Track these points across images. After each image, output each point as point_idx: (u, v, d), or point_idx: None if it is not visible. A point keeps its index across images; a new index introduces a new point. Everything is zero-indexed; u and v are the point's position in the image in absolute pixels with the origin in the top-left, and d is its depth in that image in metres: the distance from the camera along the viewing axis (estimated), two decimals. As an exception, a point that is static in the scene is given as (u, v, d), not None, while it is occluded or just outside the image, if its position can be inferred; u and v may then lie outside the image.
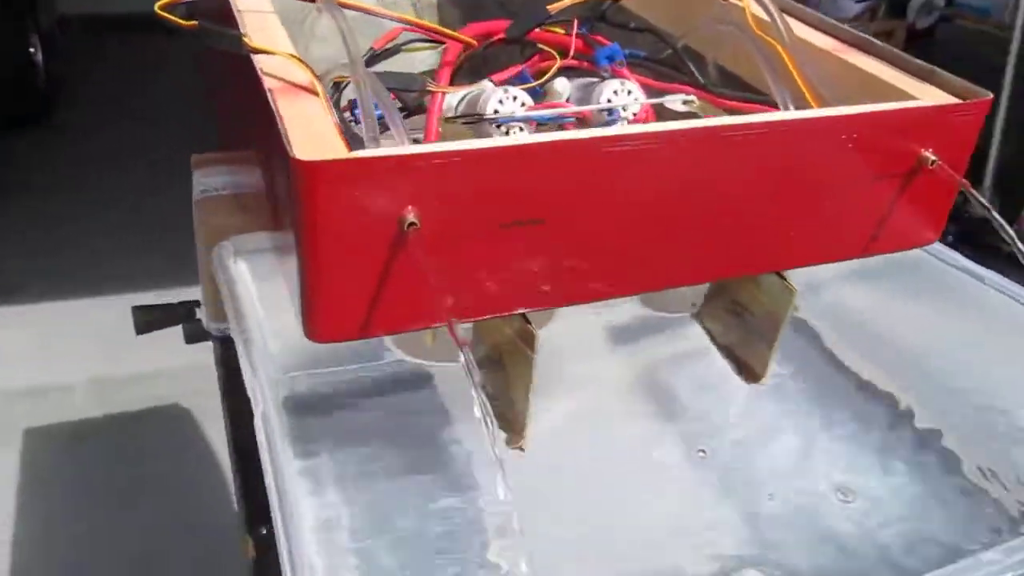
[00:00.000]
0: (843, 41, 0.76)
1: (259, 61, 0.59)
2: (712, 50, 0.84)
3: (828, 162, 0.60)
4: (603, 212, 0.56)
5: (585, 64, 0.80)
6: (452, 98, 0.74)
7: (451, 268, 0.53)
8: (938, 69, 0.68)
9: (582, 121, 0.72)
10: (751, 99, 0.74)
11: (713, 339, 0.73)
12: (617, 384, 0.85)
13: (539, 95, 0.79)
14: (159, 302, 1.12)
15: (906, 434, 0.79)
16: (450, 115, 0.67)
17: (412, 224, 0.49)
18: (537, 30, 0.82)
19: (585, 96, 0.76)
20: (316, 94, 0.56)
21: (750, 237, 0.62)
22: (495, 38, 0.79)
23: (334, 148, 0.49)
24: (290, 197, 0.49)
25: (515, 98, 0.70)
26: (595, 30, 0.88)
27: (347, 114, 0.71)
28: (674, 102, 0.73)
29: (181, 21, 0.62)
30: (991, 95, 0.64)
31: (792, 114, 0.58)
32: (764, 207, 0.61)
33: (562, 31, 0.82)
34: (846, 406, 0.82)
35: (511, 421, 0.63)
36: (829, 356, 0.86)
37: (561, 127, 0.71)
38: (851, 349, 0.86)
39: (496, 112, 0.70)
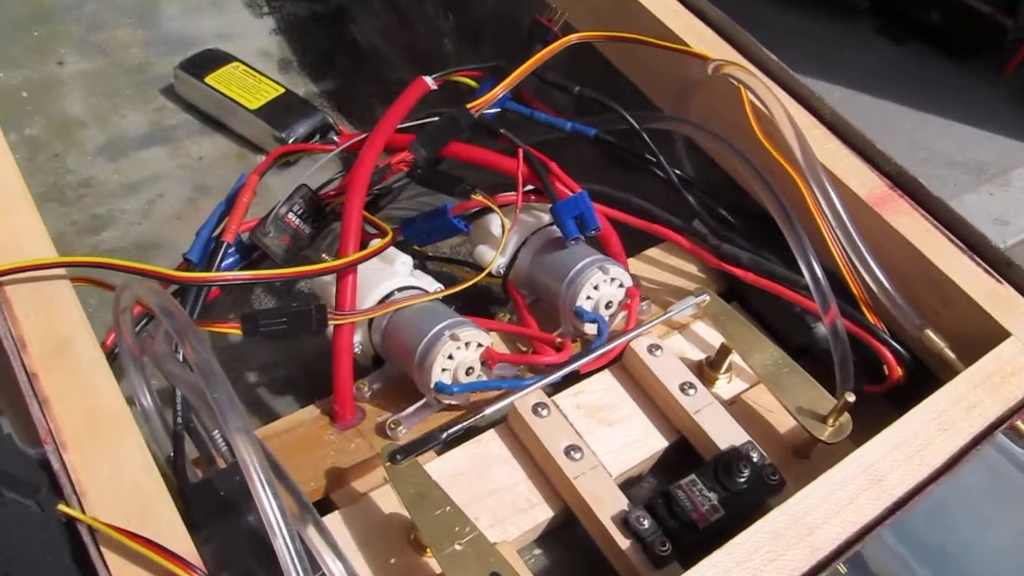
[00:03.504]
0: (877, 170, 0.57)
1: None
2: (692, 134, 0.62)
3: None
4: None
5: (533, 198, 0.56)
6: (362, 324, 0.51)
7: None
8: (1012, 261, 0.53)
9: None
10: (775, 276, 0.55)
11: None
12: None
13: (463, 231, 0.56)
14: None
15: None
16: (391, 448, 0.44)
17: None
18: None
19: (545, 265, 0.54)
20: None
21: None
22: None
23: None
24: None
25: (467, 344, 0.48)
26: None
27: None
28: (684, 310, 0.53)
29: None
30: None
31: (890, 488, 0.41)
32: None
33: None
34: None
35: None
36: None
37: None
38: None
39: (445, 371, 0.48)
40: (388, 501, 0.47)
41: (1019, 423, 0.49)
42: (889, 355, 0.52)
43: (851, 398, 0.47)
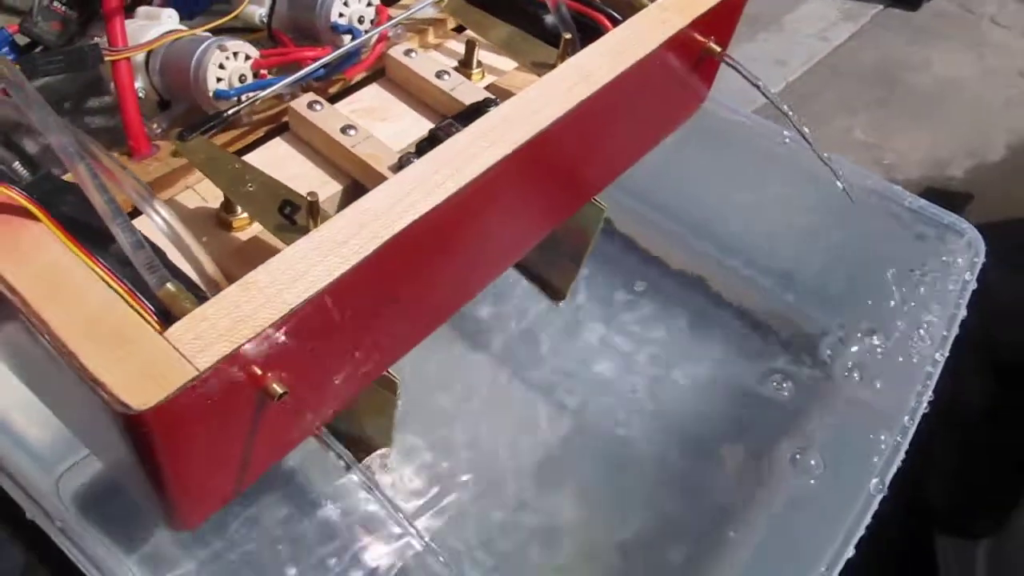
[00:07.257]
0: None
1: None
2: None
3: (632, 95, 0.55)
4: (447, 255, 0.48)
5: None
6: (139, 57, 0.56)
7: (316, 393, 0.44)
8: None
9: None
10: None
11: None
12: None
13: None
14: None
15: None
16: (179, 129, 0.50)
17: (283, 395, 0.38)
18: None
19: (300, 4, 0.61)
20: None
21: (563, 192, 0.57)
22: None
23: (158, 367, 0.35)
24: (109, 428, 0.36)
25: (235, 54, 0.54)
26: None
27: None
28: (424, 7, 0.61)
29: None
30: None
31: (597, 79, 0.51)
32: (575, 164, 0.56)
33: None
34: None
35: (364, 443, 0.58)
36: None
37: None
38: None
39: (220, 80, 0.54)
40: (192, 200, 0.53)
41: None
42: (605, 20, 0.61)
43: (568, 36, 0.56)
